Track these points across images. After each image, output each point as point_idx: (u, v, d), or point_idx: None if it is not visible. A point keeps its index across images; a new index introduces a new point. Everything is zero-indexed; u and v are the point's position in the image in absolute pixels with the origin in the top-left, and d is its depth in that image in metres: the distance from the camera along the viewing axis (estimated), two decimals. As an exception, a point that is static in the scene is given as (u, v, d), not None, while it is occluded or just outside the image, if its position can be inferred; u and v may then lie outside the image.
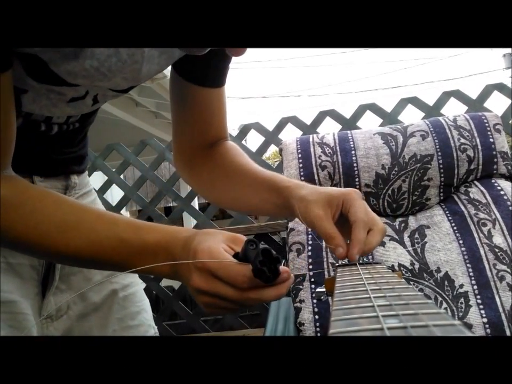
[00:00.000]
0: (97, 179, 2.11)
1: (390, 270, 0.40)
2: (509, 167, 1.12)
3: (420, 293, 0.27)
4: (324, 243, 1.06)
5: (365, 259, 0.50)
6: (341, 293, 0.30)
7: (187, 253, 0.45)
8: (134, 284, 0.75)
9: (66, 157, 0.66)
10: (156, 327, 0.76)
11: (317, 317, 0.95)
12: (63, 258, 0.51)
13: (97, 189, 1.89)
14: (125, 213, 4.39)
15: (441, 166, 1.12)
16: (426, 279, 0.97)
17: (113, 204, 1.97)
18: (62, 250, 0.48)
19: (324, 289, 0.43)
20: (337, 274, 0.41)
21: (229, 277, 0.42)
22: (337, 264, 0.50)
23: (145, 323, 0.73)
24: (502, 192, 1.06)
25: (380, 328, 0.22)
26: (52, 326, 0.62)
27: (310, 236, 1.07)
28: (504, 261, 0.95)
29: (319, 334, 0.92)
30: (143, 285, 1.83)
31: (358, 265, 0.44)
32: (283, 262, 0.40)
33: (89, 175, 2.06)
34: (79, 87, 0.54)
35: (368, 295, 0.28)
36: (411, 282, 0.98)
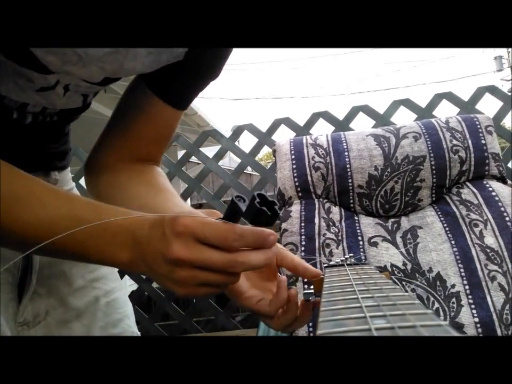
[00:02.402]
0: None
1: (377, 271, 0.41)
2: (500, 168, 1.13)
3: (407, 294, 0.27)
4: (317, 244, 1.06)
5: (353, 260, 0.50)
6: (329, 294, 0.30)
7: (158, 228, 0.41)
8: (117, 289, 0.71)
9: (46, 152, 0.62)
10: (139, 333, 0.73)
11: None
12: (10, 236, 0.44)
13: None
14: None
15: (433, 167, 1.13)
16: (419, 279, 0.98)
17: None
18: (9, 225, 0.43)
19: (312, 290, 0.43)
20: (326, 275, 0.41)
21: (218, 235, 0.38)
22: (325, 265, 0.50)
23: (128, 330, 0.70)
24: (493, 193, 1.07)
25: (368, 328, 0.22)
26: (29, 334, 0.57)
27: (303, 237, 1.07)
28: (496, 261, 0.95)
29: (311, 335, 0.92)
30: (135, 286, 1.82)
31: (346, 266, 0.44)
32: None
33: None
34: (49, 76, 0.50)
35: (356, 296, 0.28)
36: (404, 283, 0.98)
